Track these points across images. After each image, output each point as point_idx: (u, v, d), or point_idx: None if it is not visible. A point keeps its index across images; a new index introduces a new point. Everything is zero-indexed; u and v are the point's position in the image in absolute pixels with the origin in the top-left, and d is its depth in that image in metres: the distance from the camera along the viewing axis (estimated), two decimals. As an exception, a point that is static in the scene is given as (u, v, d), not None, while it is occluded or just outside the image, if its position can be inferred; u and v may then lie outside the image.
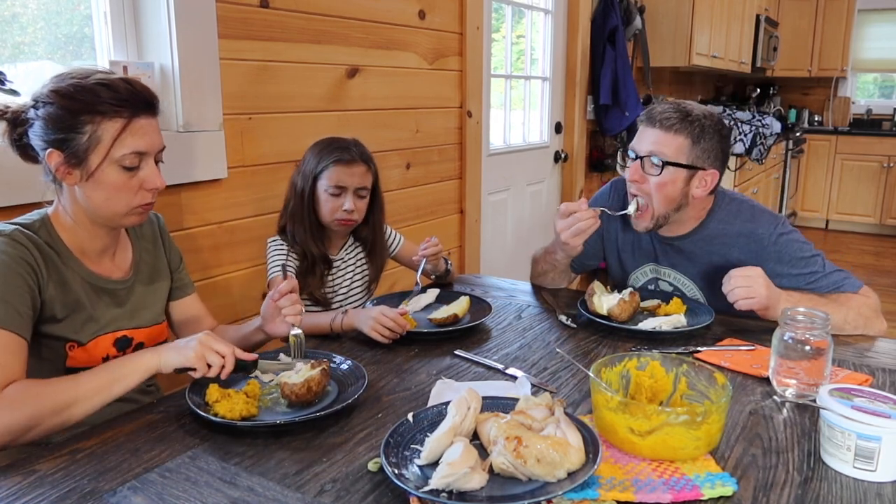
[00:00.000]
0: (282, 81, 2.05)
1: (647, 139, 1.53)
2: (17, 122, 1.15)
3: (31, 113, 1.14)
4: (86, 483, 0.91)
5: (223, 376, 1.13)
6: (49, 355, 1.17)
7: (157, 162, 1.20)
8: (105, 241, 1.24)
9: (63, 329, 1.16)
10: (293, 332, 1.27)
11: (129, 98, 1.13)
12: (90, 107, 1.11)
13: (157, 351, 1.12)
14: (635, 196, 1.57)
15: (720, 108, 4.95)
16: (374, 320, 1.41)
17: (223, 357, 1.12)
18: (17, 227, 1.13)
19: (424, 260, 1.70)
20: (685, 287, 1.67)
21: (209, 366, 1.11)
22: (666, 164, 1.50)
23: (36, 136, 1.13)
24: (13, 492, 0.89)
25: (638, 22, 4.03)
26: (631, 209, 1.57)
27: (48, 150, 1.12)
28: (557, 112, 3.80)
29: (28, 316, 1.09)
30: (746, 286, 1.38)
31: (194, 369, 1.11)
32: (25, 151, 1.17)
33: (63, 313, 1.16)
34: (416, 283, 1.69)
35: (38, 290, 1.12)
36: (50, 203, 1.22)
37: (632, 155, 1.57)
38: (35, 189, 1.48)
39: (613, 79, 3.76)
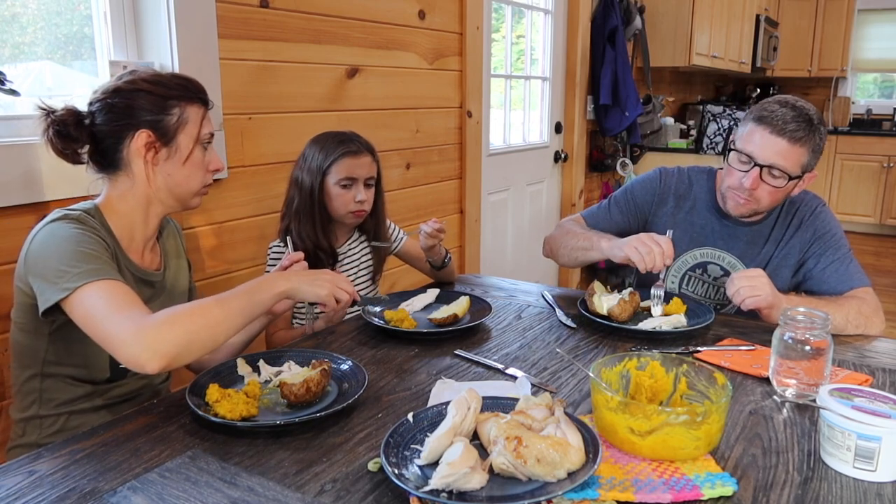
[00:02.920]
0: (282, 81, 2.05)
1: (772, 149, 1.51)
2: (73, 116, 1.21)
3: (98, 105, 1.21)
4: (86, 483, 0.91)
5: (342, 310, 1.24)
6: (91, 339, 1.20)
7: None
8: (152, 230, 1.31)
9: None
10: None
11: (199, 90, 1.28)
12: (177, 93, 1.24)
13: (286, 277, 1.20)
14: (746, 201, 1.58)
15: (720, 108, 4.95)
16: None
17: (349, 292, 1.24)
18: (81, 211, 1.19)
19: (424, 229, 1.69)
20: (735, 270, 1.69)
21: (337, 301, 1.22)
22: (790, 178, 1.53)
23: (114, 122, 1.20)
24: (13, 492, 0.89)
25: (638, 22, 4.03)
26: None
27: (137, 132, 1.20)
28: (557, 112, 3.80)
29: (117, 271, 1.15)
30: (751, 285, 1.40)
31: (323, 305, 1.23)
32: (70, 144, 1.21)
33: None
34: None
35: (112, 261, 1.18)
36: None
37: (746, 160, 1.54)
38: (35, 189, 1.49)
39: (613, 79, 3.76)
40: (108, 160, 1.23)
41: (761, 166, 1.52)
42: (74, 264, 1.08)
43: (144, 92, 1.21)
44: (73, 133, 1.20)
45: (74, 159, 1.23)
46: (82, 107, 1.23)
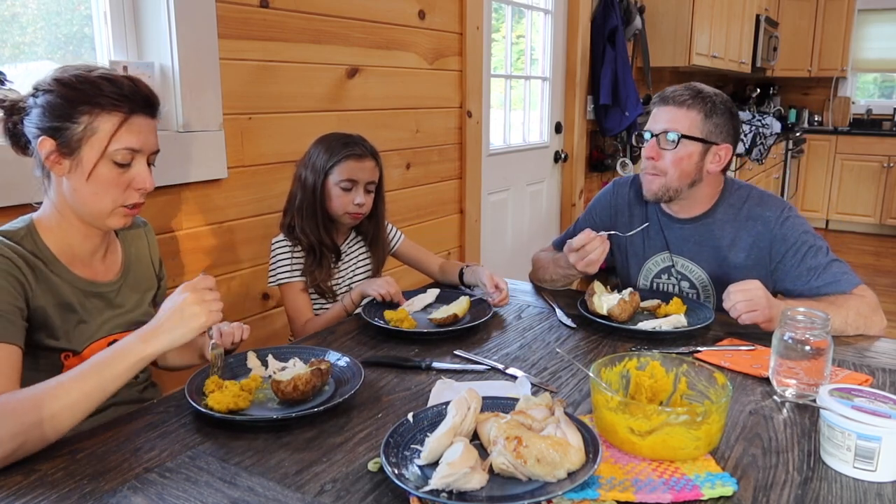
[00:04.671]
0: (282, 81, 2.05)
1: (662, 117, 1.60)
2: (15, 109, 1.14)
3: (31, 101, 1.13)
4: (86, 483, 0.91)
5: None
6: (46, 366, 1.15)
7: (149, 164, 1.19)
8: (96, 242, 1.22)
9: (57, 338, 1.15)
10: (213, 349, 1.18)
11: (129, 94, 1.13)
12: (89, 98, 1.10)
13: (144, 337, 1.02)
14: (653, 176, 1.60)
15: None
16: (378, 285, 1.59)
17: (216, 300, 1.06)
18: (2, 238, 1.11)
19: (483, 293, 1.68)
20: (693, 275, 1.69)
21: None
22: (682, 137, 1.56)
23: (31, 123, 1.12)
24: (13, 492, 0.89)
25: (638, 22, 4.03)
26: (640, 229, 1.64)
27: (41, 138, 1.10)
28: (557, 112, 3.80)
29: (20, 325, 1.07)
30: (747, 300, 1.36)
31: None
32: (18, 141, 1.17)
33: (56, 321, 1.15)
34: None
35: (26, 300, 1.10)
36: (38, 206, 1.21)
37: (647, 136, 1.62)
38: (28, 189, 1.48)
39: (613, 79, 3.76)
40: (36, 163, 1.15)
41: (656, 135, 1.59)
42: None
43: (55, 94, 1.10)
44: (8, 126, 1.14)
45: (25, 153, 1.17)
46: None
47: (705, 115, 1.58)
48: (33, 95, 1.13)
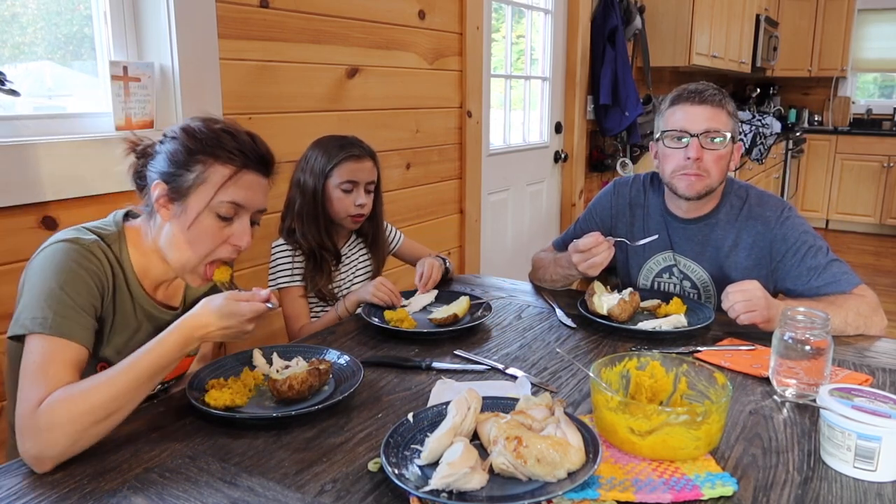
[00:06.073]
0: (282, 81, 2.05)
1: (701, 116, 1.57)
2: (145, 153, 1.18)
3: (158, 147, 1.16)
4: (86, 483, 0.91)
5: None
6: (87, 372, 1.14)
7: (252, 223, 1.19)
8: (170, 276, 1.22)
9: (104, 349, 1.16)
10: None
11: (245, 149, 1.14)
12: (207, 148, 1.12)
13: (203, 329, 1.05)
14: (697, 176, 1.57)
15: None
16: (374, 287, 1.57)
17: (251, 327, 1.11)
18: (96, 238, 1.12)
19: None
20: (695, 275, 1.69)
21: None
22: (726, 139, 1.57)
23: (154, 168, 1.15)
24: (13, 492, 0.89)
25: (638, 22, 4.03)
26: (649, 239, 1.64)
27: (156, 182, 1.13)
28: (557, 112, 3.80)
29: (92, 328, 1.08)
30: (745, 300, 1.37)
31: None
32: (140, 181, 1.19)
33: (111, 333, 1.15)
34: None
35: (101, 305, 1.11)
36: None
37: (684, 139, 1.57)
38: (36, 189, 1.49)
39: (613, 79, 3.76)
40: (146, 205, 1.19)
41: (697, 136, 1.56)
42: (43, 304, 1.02)
43: (179, 142, 1.14)
44: (136, 169, 1.18)
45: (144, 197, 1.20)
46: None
47: (730, 114, 1.60)
48: (161, 142, 1.16)
